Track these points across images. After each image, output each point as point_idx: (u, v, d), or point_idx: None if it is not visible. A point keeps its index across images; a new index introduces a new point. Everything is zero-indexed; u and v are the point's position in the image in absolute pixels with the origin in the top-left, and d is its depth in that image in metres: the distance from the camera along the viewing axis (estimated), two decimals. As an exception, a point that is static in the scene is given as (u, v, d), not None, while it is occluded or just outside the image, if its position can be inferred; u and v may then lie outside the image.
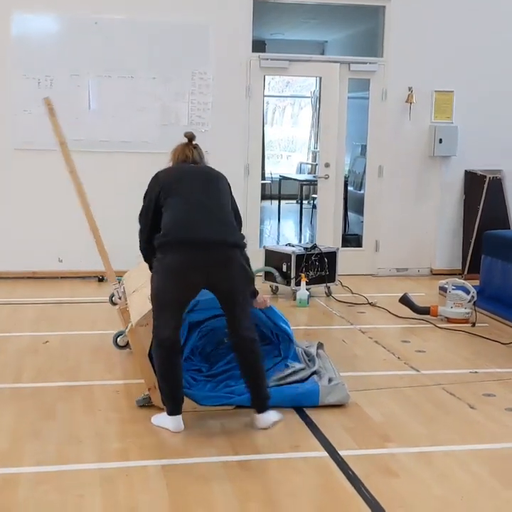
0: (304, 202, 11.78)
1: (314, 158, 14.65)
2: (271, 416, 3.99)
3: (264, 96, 8.19)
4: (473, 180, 8.24)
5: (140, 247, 4.12)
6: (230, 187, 4.13)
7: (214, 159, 7.49)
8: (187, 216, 3.87)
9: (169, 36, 7.68)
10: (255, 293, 4.19)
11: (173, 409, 3.92)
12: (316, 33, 11.24)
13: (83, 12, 7.50)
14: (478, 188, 8.17)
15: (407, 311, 6.46)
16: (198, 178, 4.03)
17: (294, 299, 6.82)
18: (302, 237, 10.83)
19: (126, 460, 3.57)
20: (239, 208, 4.19)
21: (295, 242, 8.91)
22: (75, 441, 3.78)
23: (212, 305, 4.22)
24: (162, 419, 3.97)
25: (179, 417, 3.92)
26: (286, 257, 7.02)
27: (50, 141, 7.49)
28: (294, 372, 4.42)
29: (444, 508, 3.17)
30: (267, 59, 7.98)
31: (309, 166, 14.91)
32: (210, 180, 4.05)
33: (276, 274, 7.05)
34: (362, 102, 8.65)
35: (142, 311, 4.16)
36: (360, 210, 9.05)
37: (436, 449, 3.74)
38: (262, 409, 3.96)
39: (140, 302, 4.39)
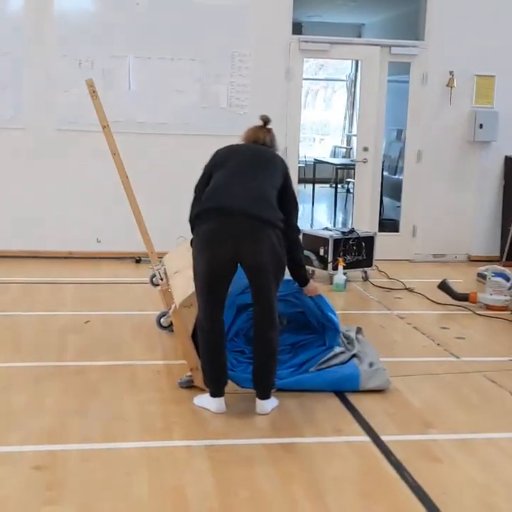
0: (338, 186, 11.74)
1: (348, 142, 14.60)
2: (271, 403, 3.97)
3: (302, 79, 8.14)
4: (513, 167, 8.16)
5: (189, 218, 4.00)
6: (286, 174, 4.01)
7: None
8: (225, 186, 3.85)
9: (209, 17, 7.65)
10: (306, 280, 4.19)
11: (216, 391, 3.95)
12: (354, 15, 11.14)
13: (125, -6, 7.52)
14: (518, 174, 8.09)
15: (445, 298, 6.43)
16: (251, 155, 4.01)
17: (331, 283, 6.82)
18: (336, 221, 10.81)
19: (169, 439, 3.62)
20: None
21: (329, 226, 8.89)
22: (119, 419, 3.83)
23: None
24: (204, 400, 4.00)
25: (222, 398, 3.95)
26: (323, 240, 7.01)
27: (91, 122, 7.55)
28: (335, 356, 4.43)
29: (487, 496, 3.17)
30: (307, 41, 7.93)
31: (344, 150, 14.85)
32: (262, 159, 4.00)
33: (314, 257, 7.05)
34: (397, 86, 8.57)
35: (186, 291, 4.19)
36: (394, 195, 9.00)
37: (478, 437, 3.73)
38: (263, 395, 3.94)
39: (183, 283, 4.42)
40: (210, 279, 3.83)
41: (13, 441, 3.56)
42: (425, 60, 8.02)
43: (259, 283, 3.83)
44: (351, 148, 13.97)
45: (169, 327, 4.65)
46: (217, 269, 3.81)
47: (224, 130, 7.83)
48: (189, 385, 4.25)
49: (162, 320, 4.57)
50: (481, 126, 7.97)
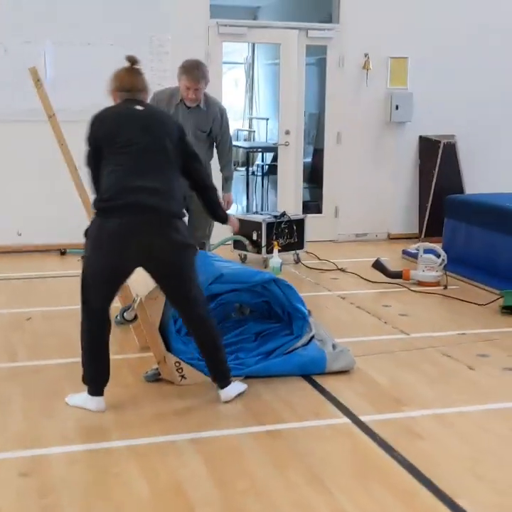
0: (250, 169, 11.76)
1: (250, 125, 14.62)
2: (233, 389, 3.93)
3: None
4: (427, 146, 8.41)
5: (94, 202, 3.79)
6: (180, 130, 3.90)
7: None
8: (126, 179, 3.65)
9: (127, 1, 7.49)
10: (226, 216, 4.31)
11: (96, 390, 3.79)
12: None
13: (37, -24, 7.24)
14: (432, 153, 8.34)
15: (378, 276, 6.58)
16: (143, 128, 3.74)
17: (265, 267, 6.86)
18: (250, 205, 10.81)
19: (152, 435, 3.56)
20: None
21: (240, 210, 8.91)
22: (92, 418, 3.74)
23: (235, 279, 4.25)
24: (81, 399, 3.81)
25: (101, 397, 3.79)
26: (256, 225, 7.03)
27: (8, 112, 7.35)
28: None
29: (475, 466, 3.29)
30: (226, 25, 7.89)
31: (246, 133, 14.87)
32: (155, 131, 3.77)
33: (247, 242, 7.06)
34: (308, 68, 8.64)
35: (150, 284, 4.11)
36: (306, 178, 9.03)
37: (450, 411, 3.85)
38: (223, 384, 3.91)
39: (144, 275, 4.32)
40: (111, 276, 3.72)
41: (-11, 449, 3.42)
42: (341, 43, 8.13)
43: (173, 281, 3.78)
44: (254, 132, 14.01)
45: (134, 320, 4.55)
46: (121, 267, 3.71)
47: (145, 116, 7.73)
48: (156, 379, 4.19)
49: (126, 314, 4.47)
50: (397, 107, 8.17)
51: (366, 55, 8.09)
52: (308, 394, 4.06)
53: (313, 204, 8.75)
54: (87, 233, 3.74)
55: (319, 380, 4.23)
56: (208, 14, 7.82)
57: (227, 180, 5.68)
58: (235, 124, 16.00)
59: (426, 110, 8.26)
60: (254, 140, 13.59)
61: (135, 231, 3.61)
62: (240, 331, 4.47)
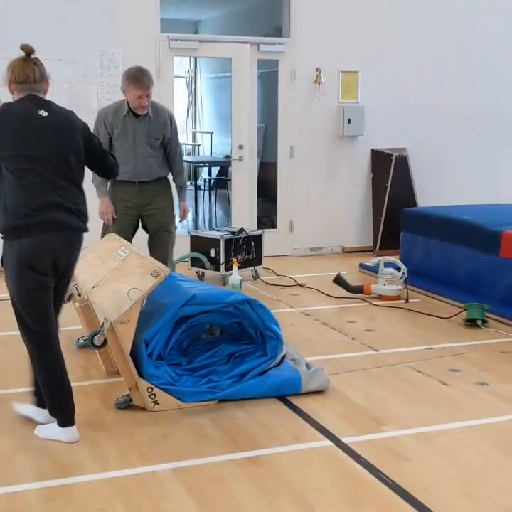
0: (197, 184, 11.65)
1: (193, 139, 14.51)
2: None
3: (173, 77, 8.00)
4: (379, 159, 8.45)
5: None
6: (86, 130, 3.88)
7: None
8: (39, 195, 3.51)
9: (74, 14, 7.34)
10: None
11: (67, 419, 3.65)
12: (191, 12, 11.10)
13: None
14: (385, 166, 8.38)
15: (338, 291, 6.56)
16: (44, 143, 3.56)
17: (224, 284, 6.76)
18: (198, 220, 10.69)
19: (130, 467, 3.42)
20: None
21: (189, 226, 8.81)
22: (65, 450, 3.58)
23: (207, 300, 4.15)
24: (51, 431, 3.67)
25: (74, 427, 3.66)
26: (214, 241, 6.94)
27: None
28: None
29: (464, 487, 3.25)
30: (176, 40, 7.81)
31: (189, 147, 14.76)
32: (60, 136, 3.64)
33: (205, 259, 6.95)
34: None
35: (121, 307, 3.97)
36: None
37: (431, 429, 3.82)
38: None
39: (112, 298, 4.18)
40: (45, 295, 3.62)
41: (-41, 488, 3.24)
42: (292, 57, 8.12)
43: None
44: (199, 145, 13.92)
45: (104, 345, 4.37)
46: (47, 284, 3.60)
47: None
48: (127, 405, 4.05)
49: (95, 338, 4.27)
50: (349, 121, 8.19)
51: (318, 69, 8.09)
52: (286, 416, 3.97)
53: (267, 219, 8.69)
54: (3, 259, 3.60)
55: (295, 400, 4.16)
56: (158, 28, 7.72)
57: (181, 189, 5.58)
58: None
59: (377, 124, 8.30)
60: (199, 154, 13.49)
61: (55, 249, 3.56)
62: (211, 353, 4.37)
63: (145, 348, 4.05)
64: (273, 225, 8.53)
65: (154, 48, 7.67)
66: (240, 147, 8.11)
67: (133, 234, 5.44)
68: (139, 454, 3.54)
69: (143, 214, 5.41)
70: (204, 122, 13.97)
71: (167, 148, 5.39)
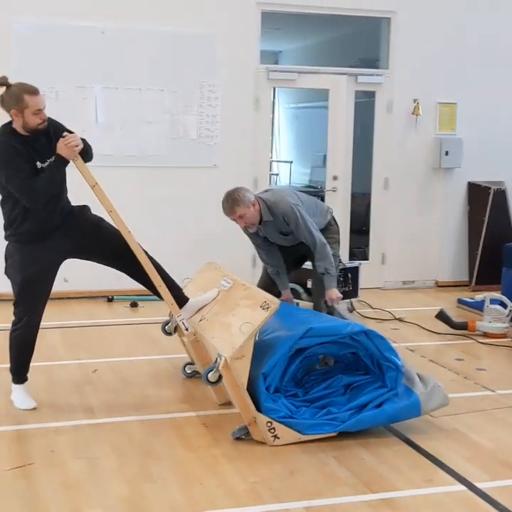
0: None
1: (270, 168, 14.48)
2: (195, 302, 4.58)
3: (273, 107, 8.03)
4: (477, 192, 8.30)
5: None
6: None
7: (223, 172, 7.44)
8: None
9: (177, 46, 7.45)
10: None
11: (24, 377, 4.47)
12: (272, 43, 11.15)
13: (89, 21, 7.19)
14: (482, 199, 8.23)
15: (439, 326, 6.43)
16: None
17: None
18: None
19: (262, 503, 3.37)
20: None
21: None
22: (194, 483, 3.55)
23: (324, 332, 4.11)
24: (19, 394, 4.44)
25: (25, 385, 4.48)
26: (310, 273, 6.85)
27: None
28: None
29: None
30: (275, 71, 7.85)
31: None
32: None
33: (301, 290, 6.89)
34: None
35: (234, 342, 3.94)
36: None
37: None
38: (183, 303, 4.56)
39: (223, 332, 4.16)
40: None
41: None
42: (390, 88, 8.07)
43: None
44: (277, 175, 13.92)
45: (218, 381, 4.29)
46: None
47: (194, 161, 7.64)
48: (244, 436, 4.01)
49: (210, 375, 4.20)
50: (446, 153, 8.07)
51: (415, 100, 8.02)
52: (414, 458, 3.86)
53: (358, 250, 8.60)
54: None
55: (419, 441, 4.05)
56: (257, 59, 7.77)
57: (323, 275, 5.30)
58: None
59: (475, 156, 8.17)
60: (276, 184, 13.49)
61: None
62: (327, 384, 4.28)
63: (263, 381, 3.99)
64: (364, 257, 8.44)
65: (253, 78, 7.72)
66: (335, 178, 8.08)
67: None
68: (268, 491, 3.48)
69: None
70: (281, 152, 14.00)
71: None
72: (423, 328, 6.51)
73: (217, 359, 4.06)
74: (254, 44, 7.69)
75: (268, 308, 3.95)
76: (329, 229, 5.47)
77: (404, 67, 8.03)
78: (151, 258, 4.55)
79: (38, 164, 4.19)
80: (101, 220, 4.56)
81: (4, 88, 4.11)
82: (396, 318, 6.84)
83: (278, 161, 14.00)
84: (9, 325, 4.45)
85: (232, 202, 5.03)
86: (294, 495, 3.44)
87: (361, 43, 9.12)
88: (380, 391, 4.17)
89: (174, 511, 3.28)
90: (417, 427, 4.21)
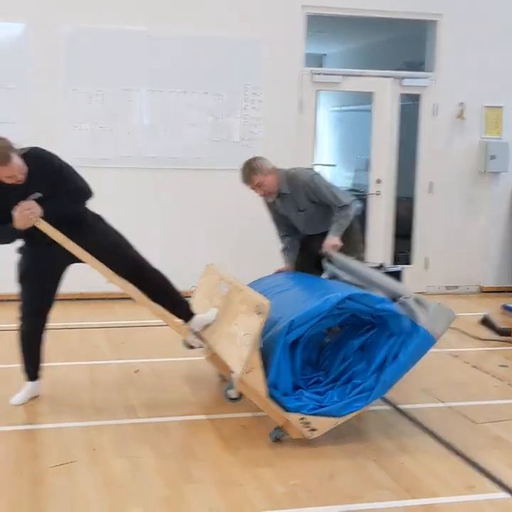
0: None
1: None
2: (201, 318, 4.53)
3: (316, 110, 8.02)
4: (523, 197, 8.19)
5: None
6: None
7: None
8: None
9: (221, 50, 7.49)
10: None
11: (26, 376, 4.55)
12: (316, 45, 11.13)
13: (135, 24, 7.27)
14: (528, 204, 8.12)
15: (483, 332, 6.35)
16: None
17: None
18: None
19: (302, 506, 3.36)
20: None
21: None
22: (233, 485, 3.56)
23: (307, 318, 3.99)
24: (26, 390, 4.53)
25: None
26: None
27: (102, 158, 7.34)
28: None
29: None
30: (319, 74, 7.84)
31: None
32: None
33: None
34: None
35: (241, 356, 3.92)
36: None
37: None
38: (188, 318, 4.55)
39: (230, 345, 4.15)
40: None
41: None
42: (435, 91, 8.00)
43: None
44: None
45: (238, 398, 4.28)
46: None
47: (236, 164, 7.60)
48: (280, 437, 4.01)
49: (230, 392, 4.20)
50: (492, 157, 7.98)
51: (461, 104, 7.94)
52: (454, 464, 3.82)
53: (402, 255, 8.54)
54: None
55: (460, 447, 4.00)
56: (302, 62, 7.77)
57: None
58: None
59: (520, 160, 8.06)
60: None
61: None
62: (343, 356, 4.24)
63: (276, 390, 3.95)
64: (407, 261, 8.37)
65: (297, 81, 7.72)
66: (378, 181, 8.03)
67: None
68: (308, 493, 3.47)
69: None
70: (324, 155, 13.98)
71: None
72: (466, 333, 6.44)
73: (231, 376, 4.07)
74: (299, 47, 7.69)
75: (261, 312, 3.88)
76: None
77: (449, 70, 7.95)
78: (154, 277, 4.55)
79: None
80: (113, 243, 4.55)
81: None
82: (439, 324, 6.76)
83: (321, 165, 14.01)
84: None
85: (249, 171, 5.07)
86: (334, 498, 3.43)
87: (406, 46, 9.07)
88: (391, 340, 4.08)
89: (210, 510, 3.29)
90: (458, 433, 4.19)
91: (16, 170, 4.04)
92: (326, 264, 4.91)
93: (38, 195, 4.16)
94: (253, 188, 5.12)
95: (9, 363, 4.78)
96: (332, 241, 5.04)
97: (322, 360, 4.39)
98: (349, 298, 4.07)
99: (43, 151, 4.31)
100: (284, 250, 5.38)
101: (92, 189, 4.46)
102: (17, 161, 4.02)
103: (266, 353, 3.94)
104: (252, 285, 4.76)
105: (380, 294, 4.23)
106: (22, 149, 4.16)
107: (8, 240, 4.35)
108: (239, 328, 4.08)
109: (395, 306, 4.13)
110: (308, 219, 5.20)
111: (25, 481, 3.55)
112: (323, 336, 4.49)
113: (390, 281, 4.54)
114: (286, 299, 4.37)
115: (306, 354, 4.28)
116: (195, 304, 4.79)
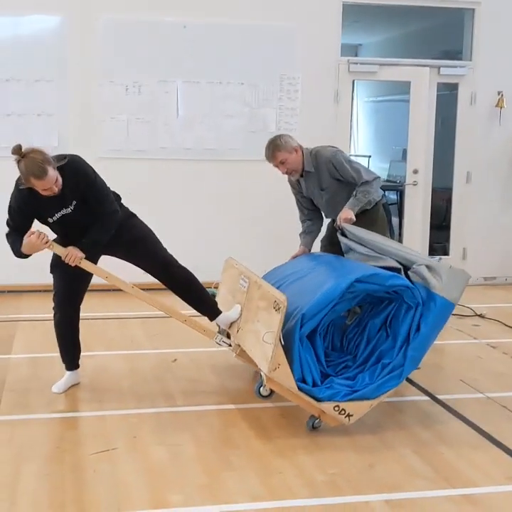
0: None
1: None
2: (226, 316, 4.57)
3: (352, 100, 7.98)
4: (562, 187, 8.07)
5: None
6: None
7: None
8: None
9: (257, 40, 7.48)
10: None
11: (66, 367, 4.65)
12: (352, 36, 11.04)
13: (172, 16, 7.29)
14: None
15: (521, 323, 6.30)
16: None
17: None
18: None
19: (342, 494, 3.36)
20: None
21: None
22: (273, 473, 3.57)
23: (318, 308, 3.97)
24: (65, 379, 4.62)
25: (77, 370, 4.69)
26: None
27: (138, 149, 7.38)
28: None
29: None
30: (356, 63, 7.80)
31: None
32: None
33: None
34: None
35: (266, 354, 3.91)
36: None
37: None
38: (214, 316, 4.62)
39: (255, 343, 4.15)
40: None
41: (175, 502, 3.28)
42: (473, 80, 7.91)
43: None
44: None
45: (270, 395, 4.29)
46: None
47: (272, 155, 7.64)
48: (316, 425, 4.01)
49: (261, 390, 4.21)
50: (531, 146, 7.88)
51: (500, 93, 7.85)
52: (494, 454, 3.80)
53: (438, 245, 8.47)
54: None
55: (499, 437, 3.98)
56: (338, 52, 7.73)
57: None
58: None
59: (561, 150, 7.95)
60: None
61: None
62: (367, 336, 4.23)
63: (304, 384, 3.94)
64: (445, 252, 8.31)
65: (333, 71, 7.69)
66: (415, 171, 7.98)
67: None
68: (348, 483, 3.47)
69: None
70: (360, 145, 13.90)
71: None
72: (505, 324, 6.38)
73: (260, 375, 4.08)
74: (335, 37, 7.66)
75: (279, 308, 3.87)
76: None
77: (488, 58, 7.86)
78: (181, 274, 4.64)
79: (49, 219, 4.30)
80: (141, 239, 4.60)
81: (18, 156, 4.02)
82: (477, 315, 6.72)
83: (356, 155, 13.94)
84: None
85: (273, 148, 5.04)
86: (374, 487, 3.43)
87: (443, 35, 8.97)
88: (410, 313, 4.05)
89: (254, 500, 3.31)
90: (497, 423, 4.17)
91: (52, 183, 4.07)
92: (340, 237, 4.88)
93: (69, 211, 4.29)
94: (276, 166, 5.10)
95: (52, 352, 4.83)
96: (346, 213, 4.92)
97: (346, 344, 4.39)
98: (357, 280, 4.03)
99: (80, 163, 4.28)
100: (302, 233, 5.37)
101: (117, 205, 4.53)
102: (53, 173, 4.04)
103: (286, 348, 3.93)
104: (268, 275, 4.79)
105: (394, 264, 4.23)
106: (60, 158, 4.16)
107: (19, 255, 4.32)
108: (261, 326, 4.08)
109: (406, 280, 4.10)
110: (330, 198, 5.14)
111: (66, 467, 3.60)
112: (344, 319, 4.49)
113: (404, 249, 4.51)
114: (302, 287, 4.34)
115: (328, 340, 4.28)
116: (219, 300, 4.83)
